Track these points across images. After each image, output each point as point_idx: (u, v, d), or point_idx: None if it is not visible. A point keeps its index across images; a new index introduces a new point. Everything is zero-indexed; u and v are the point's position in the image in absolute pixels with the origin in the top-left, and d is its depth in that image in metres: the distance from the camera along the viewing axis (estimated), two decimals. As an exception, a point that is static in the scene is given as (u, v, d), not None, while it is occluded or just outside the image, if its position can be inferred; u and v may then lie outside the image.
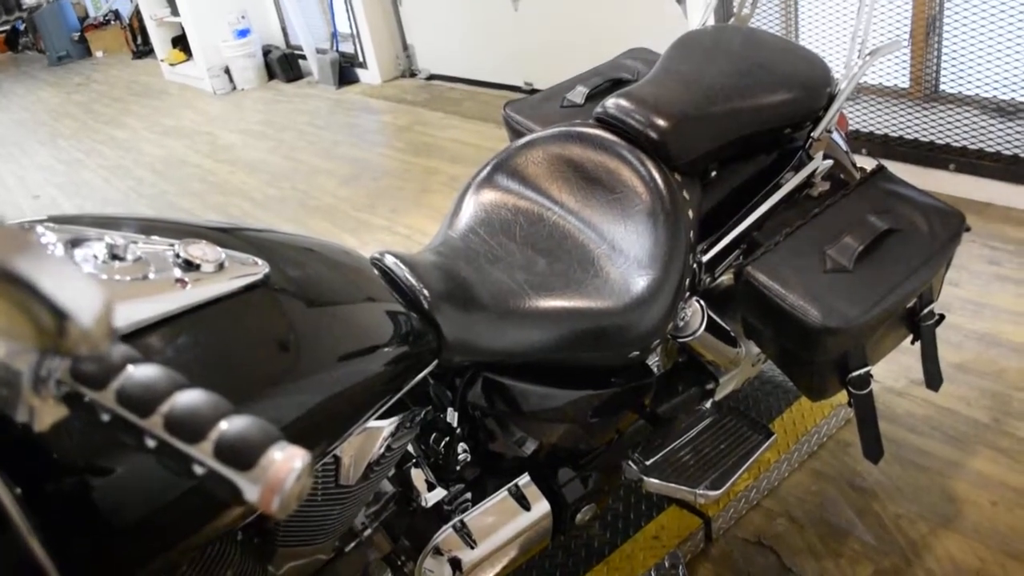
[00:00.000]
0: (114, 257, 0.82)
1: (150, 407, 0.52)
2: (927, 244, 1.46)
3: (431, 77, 6.12)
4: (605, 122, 1.46)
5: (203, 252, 0.90)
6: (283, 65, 7.03)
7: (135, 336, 0.79)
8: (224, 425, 0.51)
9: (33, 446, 0.67)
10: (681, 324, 1.43)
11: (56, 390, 0.53)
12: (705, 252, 1.47)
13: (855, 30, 1.60)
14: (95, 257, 0.82)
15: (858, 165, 1.80)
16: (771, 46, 1.65)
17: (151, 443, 0.52)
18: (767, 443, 1.61)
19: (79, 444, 0.71)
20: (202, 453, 0.51)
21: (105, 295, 0.50)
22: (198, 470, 0.51)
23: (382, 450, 1.13)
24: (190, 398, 0.53)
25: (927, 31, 3.05)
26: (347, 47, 6.48)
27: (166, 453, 0.52)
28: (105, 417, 0.53)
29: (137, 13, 9.34)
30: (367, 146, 5.07)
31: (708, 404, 1.66)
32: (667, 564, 1.65)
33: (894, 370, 2.18)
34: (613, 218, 1.36)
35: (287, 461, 0.50)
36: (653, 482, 1.54)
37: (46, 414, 0.54)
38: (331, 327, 1.01)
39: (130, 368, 0.53)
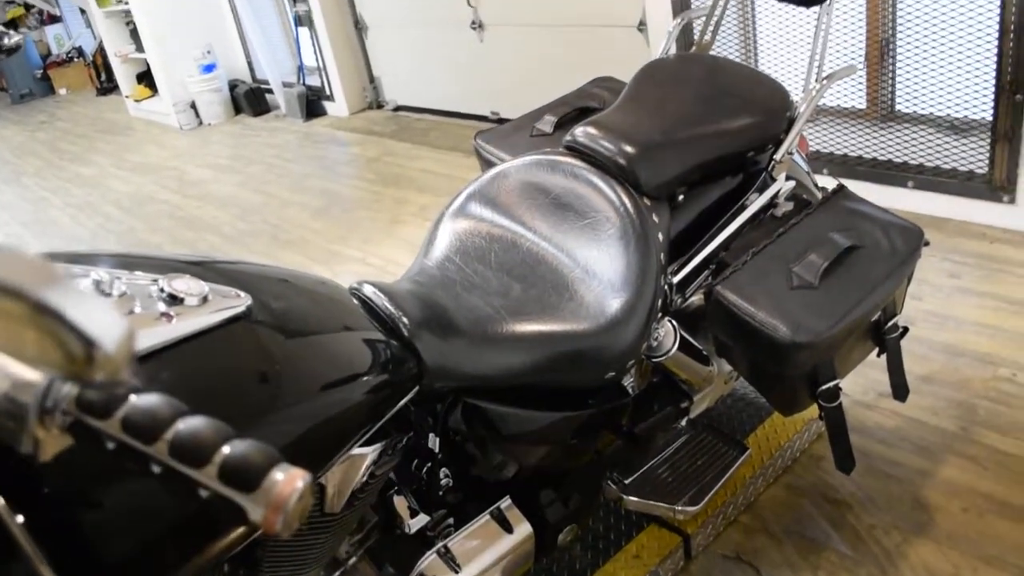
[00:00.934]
0: (100, 293, 0.84)
1: (155, 434, 0.54)
2: (889, 259, 1.51)
3: (398, 108, 6.16)
4: (575, 150, 1.50)
5: (187, 286, 0.91)
6: (250, 99, 7.03)
7: None
8: (227, 449, 0.53)
9: (38, 475, 0.68)
10: (655, 344, 1.47)
11: (61, 420, 0.55)
12: (675, 273, 1.51)
13: (811, 55, 1.66)
14: (80, 294, 0.83)
15: (819, 185, 1.85)
16: (732, 73, 1.71)
17: (156, 469, 0.54)
18: (742, 458, 1.65)
19: (84, 472, 0.72)
20: (207, 477, 0.53)
21: (127, 323, 0.53)
22: (203, 493, 0.53)
23: (365, 477, 1.14)
24: (193, 424, 0.55)
25: (881, 53, 3.14)
26: (314, 80, 6.50)
27: (171, 478, 0.54)
28: (110, 445, 0.55)
29: (101, 50, 9.29)
30: (337, 178, 5.09)
31: (683, 422, 1.69)
32: (649, 582, 1.67)
33: (862, 384, 2.23)
34: (585, 243, 1.40)
35: (289, 481, 0.52)
36: (633, 500, 1.56)
37: (51, 444, 0.56)
38: (313, 357, 1.03)
39: (133, 398, 0.55)
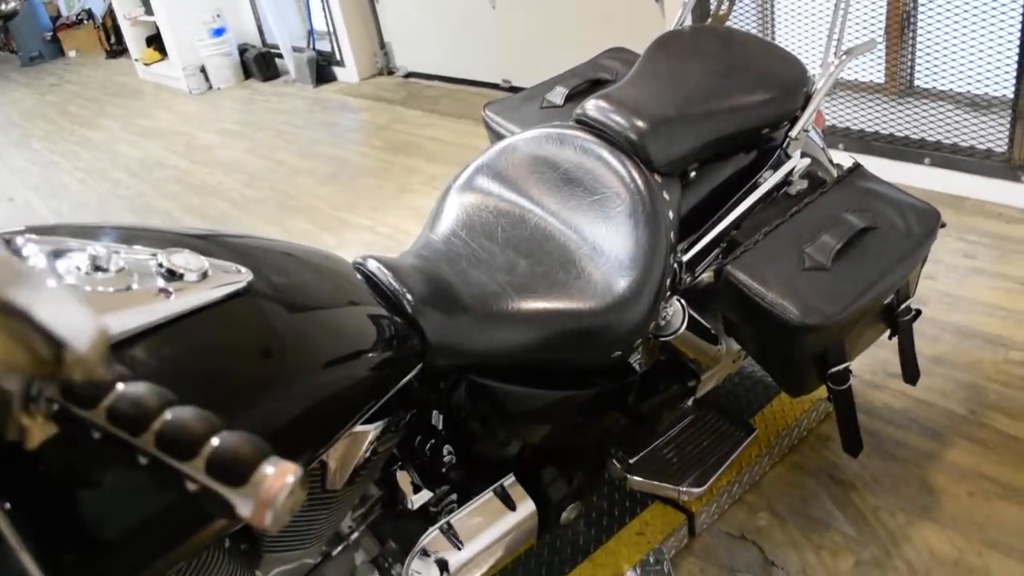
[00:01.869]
0: (97, 268, 0.82)
1: (141, 425, 0.52)
2: (903, 241, 1.48)
3: (409, 75, 6.10)
4: (585, 124, 1.47)
5: (186, 261, 0.90)
6: (259, 64, 6.98)
7: (119, 347, 0.79)
8: (215, 441, 0.52)
9: (23, 462, 0.67)
10: (663, 323, 1.45)
11: (47, 408, 0.54)
12: (685, 251, 1.49)
13: (831, 29, 1.62)
14: (78, 268, 0.81)
15: (834, 161, 1.82)
16: (749, 47, 1.67)
17: (143, 460, 0.53)
18: (749, 439, 1.63)
19: (69, 460, 0.71)
20: (194, 470, 0.51)
21: (99, 322, 0.51)
22: (190, 487, 0.52)
23: (368, 454, 1.14)
24: (180, 415, 0.53)
25: (901, 27, 3.08)
26: (324, 45, 6.44)
27: (158, 470, 0.52)
28: (96, 435, 0.54)
29: (110, 12, 9.23)
30: (346, 145, 5.06)
31: (690, 401, 1.67)
32: (652, 560, 1.67)
33: (871, 364, 2.21)
34: (594, 219, 1.37)
35: (279, 476, 0.50)
36: (637, 480, 1.55)
37: (36, 432, 0.54)
38: (316, 333, 1.02)
39: (120, 386, 0.54)
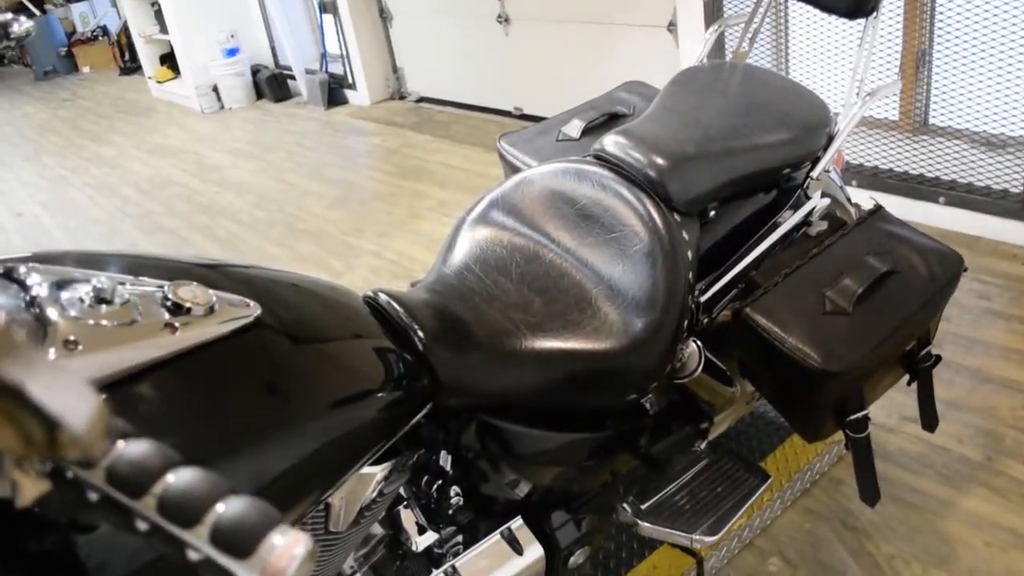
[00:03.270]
0: (101, 300, 0.79)
1: (143, 488, 0.49)
2: (926, 286, 1.45)
3: (421, 100, 6.11)
4: (603, 159, 1.44)
5: (193, 295, 0.86)
6: (272, 85, 7.01)
7: (121, 384, 0.76)
8: (221, 508, 0.48)
9: (14, 520, 0.63)
10: (678, 365, 1.41)
11: (42, 465, 0.50)
12: (704, 292, 1.46)
13: (854, 69, 1.60)
14: (81, 301, 0.79)
15: (853, 201, 1.79)
16: (770, 85, 1.64)
17: (143, 526, 0.49)
18: (764, 486, 1.59)
19: (63, 521, 0.68)
20: (198, 538, 0.48)
21: (97, 398, 0.47)
22: (193, 556, 0.48)
23: (374, 495, 1.10)
24: (185, 478, 0.50)
25: (917, 64, 3.07)
26: (336, 68, 6.47)
27: (159, 537, 0.49)
28: (94, 496, 0.50)
29: (125, 29, 9.30)
30: (356, 168, 5.05)
31: (703, 444, 1.63)
32: (660, 606, 1.62)
33: (887, 407, 2.17)
34: (611, 257, 1.34)
35: (288, 548, 0.47)
36: (648, 527, 1.51)
37: (29, 489, 0.51)
38: (325, 372, 0.98)
39: (120, 444, 0.50)
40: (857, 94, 1.57)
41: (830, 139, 1.57)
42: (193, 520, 0.48)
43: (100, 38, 10.53)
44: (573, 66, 4.61)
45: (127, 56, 9.56)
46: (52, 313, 0.74)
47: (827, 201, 1.57)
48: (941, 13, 2.95)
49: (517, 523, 1.35)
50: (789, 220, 1.52)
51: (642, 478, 1.57)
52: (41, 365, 0.47)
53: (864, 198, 1.72)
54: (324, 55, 6.54)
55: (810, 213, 1.54)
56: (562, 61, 4.70)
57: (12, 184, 5.91)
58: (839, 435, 1.63)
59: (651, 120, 1.51)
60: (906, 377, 1.66)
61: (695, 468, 1.62)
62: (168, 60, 7.86)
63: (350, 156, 5.32)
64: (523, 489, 1.35)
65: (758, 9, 1.82)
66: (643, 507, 1.52)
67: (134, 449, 0.50)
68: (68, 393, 0.46)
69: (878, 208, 1.59)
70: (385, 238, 3.88)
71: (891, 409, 2.17)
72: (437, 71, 5.87)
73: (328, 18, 6.28)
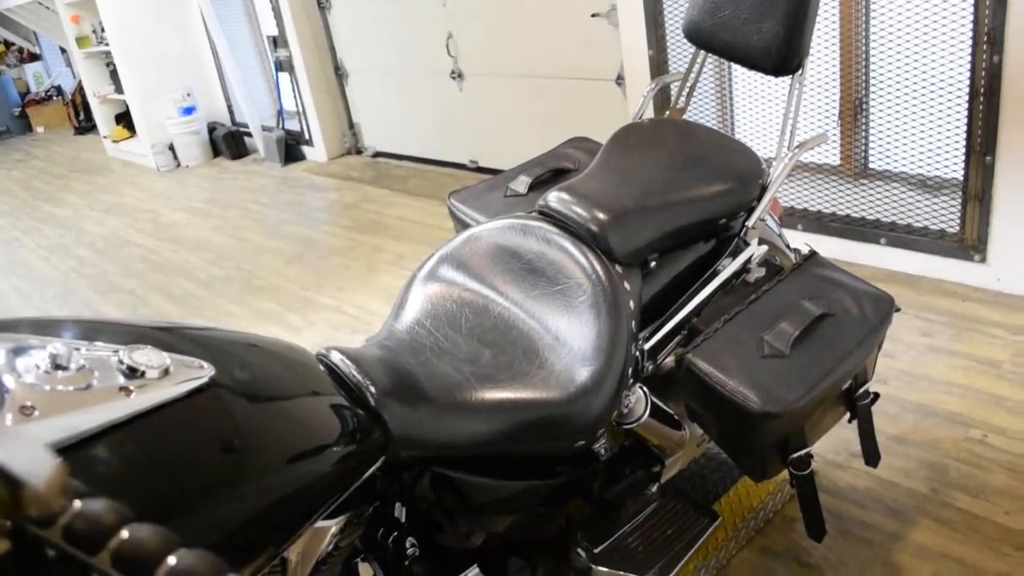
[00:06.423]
0: (57, 367, 0.82)
1: (98, 544, 0.52)
2: (860, 328, 1.51)
3: (377, 154, 6.18)
4: (547, 214, 1.50)
5: (147, 358, 0.89)
6: (228, 142, 7.04)
7: (77, 448, 0.78)
8: (172, 560, 0.51)
9: None
10: (625, 411, 1.46)
11: (1, 524, 0.53)
12: (647, 340, 1.51)
13: (783, 123, 1.68)
14: (37, 367, 0.81)
15: (791, 246, 1.86)
16: (706, 140, 1.72)
17: None
18: (713, 526, 1.63)
19: None
20: None
21: (55, 460, 0.50)
22: None
23: (330, 548, 1.12)
24: (138, 533, 0.53)
25: (855, 112, 3.20)
26: (293, 125, 6.53)
27: None
28: (51, 553, 0.53)
29: (80, 89, 9.29)
30: (313, 224, 5.08)
31: (654, 487, 1.67)
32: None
33: (834, 444, 2.23)
34: (557, 309, 1.39)
35: None
36: (602, 571, 1.54)
37: None
38: (278, 428, 1.01)
39: (77, 504, 0.53)
40: (788, 146, 1.65)
41: (764, 189, 1.65)
42: (147, 572, 0.51)
43: (54, 98, 10.51)
44: (526, 119, 4.71)
45: (82, 116, 9.56)
46: (8, 380, 0.76)
47: (764, 248, 1.64)
48: (875, 62, 3.09)
49: (474, 572, 1.37)
50: (728, 268, 1.59)
51: (596, 522, 1.60)
52: (2, 429, 0.50)
53: (800, 243, 1.80)
54: (280, 112, 6.60)
55: (748, 260, 1.61)
56: (515, 114, 4.81)
57: (-36, 247, 5.84)
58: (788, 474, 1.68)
59: (592, 176, 1.57)
60: (848, 415, 1.72)
61: (647, 511, 1.66)
62: (124, 119, 7.86)
63: (307, 212, 5.35)
64: (479, 538, 1.38)
65: (693, 67, 1.91)
66: (596, 551, 1.55)
67: (90, 507, 0.53)
68: (27, 455, 0.49)
69: (813, 254, 1.66)
70: (344, 293, 3.90)
71: (839, 446, 2.22)
72: (393, 126, 5.96)
73: (284, 76, 6.36)
